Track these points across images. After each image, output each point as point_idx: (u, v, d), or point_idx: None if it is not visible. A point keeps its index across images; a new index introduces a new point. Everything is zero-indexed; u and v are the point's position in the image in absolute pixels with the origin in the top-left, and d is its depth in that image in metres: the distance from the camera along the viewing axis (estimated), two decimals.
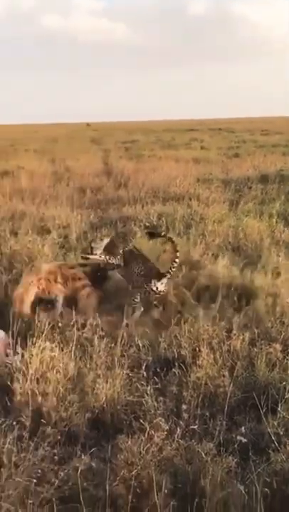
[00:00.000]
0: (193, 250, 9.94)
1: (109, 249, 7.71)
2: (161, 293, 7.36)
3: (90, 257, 7.74)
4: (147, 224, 11.88)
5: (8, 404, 5.32)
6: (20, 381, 5.36)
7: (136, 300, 7.29)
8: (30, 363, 5.55)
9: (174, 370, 5.79)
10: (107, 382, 5.40)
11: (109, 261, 7.63)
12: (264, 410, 5.14)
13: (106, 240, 7.85)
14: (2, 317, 7.32)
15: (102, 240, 7.92)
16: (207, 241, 10.72)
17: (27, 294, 7.50)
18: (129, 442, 4.49)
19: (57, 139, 45.15)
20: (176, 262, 7.33)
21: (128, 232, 11.41)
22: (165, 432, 4.66)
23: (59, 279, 7.69)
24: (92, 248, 7.74)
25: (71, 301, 7.58)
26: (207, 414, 5.18)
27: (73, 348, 5.95)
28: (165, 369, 5.85)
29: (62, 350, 5.86)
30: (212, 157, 26.50)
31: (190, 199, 14.99)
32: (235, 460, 4.47)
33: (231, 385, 5.50)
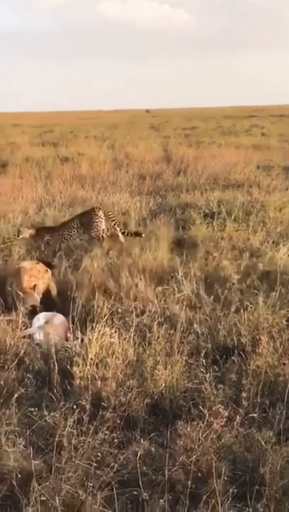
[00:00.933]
0: (253, 238, 9.86)
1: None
2: None
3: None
4: (207, 211, 11.80)
5: (68, 387, 5.37)
6: (80, 365, 5.41)
7: None
8: (89, 347, 5.60)
9: (233, 357, 5.76)
10: (166, 368, 5.41)
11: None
12: None
13: (31, 231, 9.77)
14: (62, 302, 7.44)
15: (28, 228, 9.92)
16: (268, 228, 10.61)
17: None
18: (189, 428, 4.50)
19: (117, 125, 45.30)
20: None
21: (187, 218, 11.38)
22: (224, 419, 4.65)
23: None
24: (19, 231, 9.77)
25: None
26: (267, 402, 5.14)
27: (132, 333, 5.98)
28: (224, 357, 5.83)
29: (122, 336, 5.89)
30: (273, 144, 26.17)
31: (250, 186, 14.84)
32: None
33: None
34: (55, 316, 6.89)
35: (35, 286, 7.54)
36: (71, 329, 6.33)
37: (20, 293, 7.31)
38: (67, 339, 6.41)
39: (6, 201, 13.35)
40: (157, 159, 20.81)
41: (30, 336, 6.50)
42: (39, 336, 6.46)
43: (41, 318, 6.82)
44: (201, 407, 4.87)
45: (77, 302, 6.94)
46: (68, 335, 6.38)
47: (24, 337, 6.37)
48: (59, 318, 6.83)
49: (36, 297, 7.48)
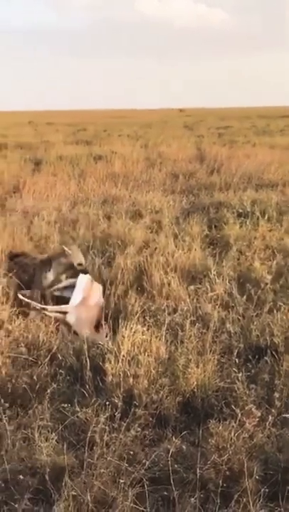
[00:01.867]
0: (287, 238, 9.79)
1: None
2: None
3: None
4: (240, 210, 11.75)
5: (100, 384, 5.40)
6: (112, 362, 5.43)
7: None
8: (122, 344, 5.62)
9: (265, 358, 5.73)
10: (198, 367, 5.40)
11: None
12: None
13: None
14: None
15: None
16: None
17: None
18: (221, 427, 4.48)
19: (150, 124, 45.35)
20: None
21: (220, 217, 11.34)
22: (257, 419, 4.63)
23: None
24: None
25: None
26: None
27: (164, 332, 5.98)
28: (257, 357, 5.80)
29: (154, 334, 5.90)
30: None
31: (284, 186, 14.76)
32: None
33: None
34: (93, 293, 6.88)
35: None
36: (108, 327, 6.36)
37: None
38: (97, 326, 6.55)
39: (40, 198, 13.45)
40: (190, 158, 20.78)
41: (64, 313, 6.60)
42: (71, 319, 6.56)
43: (82, 287, 6.82)
44: (233, 407, 4.85)
45: (110, 299, 6.96)
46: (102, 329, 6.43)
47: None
48: (95, 298, 6.86)
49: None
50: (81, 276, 6.96)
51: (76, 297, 6.75)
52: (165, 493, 4.02)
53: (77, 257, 7.31)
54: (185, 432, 4.74)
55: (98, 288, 7.06)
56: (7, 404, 4.97)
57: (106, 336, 6.27)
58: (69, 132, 36.45)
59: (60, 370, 5.59)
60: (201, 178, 16.64)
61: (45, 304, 6.87)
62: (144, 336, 5.80)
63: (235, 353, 5.76)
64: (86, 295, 6.81)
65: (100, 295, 7.00)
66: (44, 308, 6.70)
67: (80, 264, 7.27)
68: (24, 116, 68.94)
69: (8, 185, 15.64)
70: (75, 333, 6.49)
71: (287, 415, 4.85)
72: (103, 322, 6.54)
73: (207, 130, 36.61)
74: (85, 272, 7.16)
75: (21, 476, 4.13)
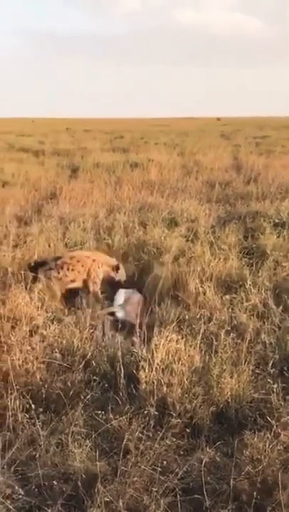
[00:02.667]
0: None
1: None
2: None
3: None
4: (277, 220, 11.65)
5: (134, 392, 5.40)
6: (146, 370, 5.42)
7: None
8: (156, 352, 5.61)
9: None
10: (232, 377, 5.37)
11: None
12: None
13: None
14: None
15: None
16: None
17: None
18: (255, 439, 4.45)
19: (187, 133, 45.34)
20: None
21: (257, 227, 11.27)
22: None
23: None
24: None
25: None
26: None
27: (199, 341, 5.95)
28: None
29: (188, 343, 5.88)
30: None
31: None
32: None
33: None
34: (134, 294, 7.57)
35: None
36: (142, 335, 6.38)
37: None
38: (136, 315, 7.00)
39: (76, 205, 13.53)
40: (227, 167, 20.72)
41: (112, 314, 7.11)
42: (120, 314, 7.14)
43: (122, 294, 7.53)
44: (268, 418, 4.82)
45: (145, 307, 6.98)
46: (134, 339, 6.48)
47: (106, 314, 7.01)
48: (136, 297, 7.53)
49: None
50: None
51: (119, 299, 7.46)
52: (198, 503, 4.00)
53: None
54: (219, 443, 4.71)
55: (136, 292, 7.71)
56: (41, 409, 5.02)
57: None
58: (106, 139, 36.63)
59: (94, 377, 5.60)
60: (237, 188, 16.55)
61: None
62: (178, 345, 5.78)
63: (270, 364, 5.71)
64: (127, 297, 7.49)
65: (139, 296, 7.62)
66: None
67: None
68: (62, 123, 69.54)
69: (45, 191, 15.78)
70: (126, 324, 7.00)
71: None
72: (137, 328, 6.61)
73: (244, 139, 36.42)
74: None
75: (54, 482, 4.15)
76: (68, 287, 7.87)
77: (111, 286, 8.09)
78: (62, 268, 7.86)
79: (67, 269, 7.86)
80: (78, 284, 7.93)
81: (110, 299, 7.77)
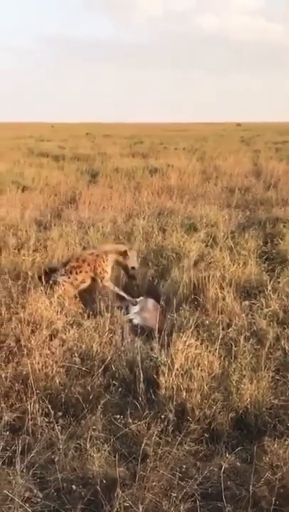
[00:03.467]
0: None
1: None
2: None
3: None
4: None
5: (153, 397, 5.39)
6: (166, 375, 5.42)
7: None
8: (175, 358, 5.60)
9: None
10: (251, 383, 5.35)
11: None
12: None
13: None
14: None
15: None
16: None
17: None
18: (275, 445, 4.43)
19: (206, 138, 45.30)
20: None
21: (277, 233, 11.23)
22: None
23: None
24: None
25: None
26: None
27: (218, 346, 5.94)
28: None
29: (207, 348, 5.86)
30: None
31: None
32: None
33: None
34: (148, 300, 7.63)
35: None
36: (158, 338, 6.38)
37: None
38: (155, 320, 7.02)
39: (95, 210, 13.57)
40: (247, 173, 20.67)
41: (130, 321, 7.14)
42: (137, 321, 7.19)
43: (136, 306, 7.57)
44: (287, 424, 4.80)
45: (163, 312, 6.98)
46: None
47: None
48: (151, 302, 7.59)
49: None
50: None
51: (134, 308, 7.54)
52: (217, 509, 3.99)
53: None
54: (238, 449, 4.70)
55: (149, 299, 7.74)
56: (60, 414, 5.03)
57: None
58: (125, 145, 36.71)
59: (113, 382, 5.61)
60: (257, 193, 16.51)
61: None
62: (197, 350, 5.78)
63: None
64: (142, 305, 7.53)
65: (152, 301, 7.66)
66: None
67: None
68: (81, 128, 69.82)
69: (65, 196, 15.84)
70: (145, 329, 7.02)
71: None
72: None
73: (264, 144, 36.33)
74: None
75: (73, 486, 4.16)
76: (80, 288, 7.94)
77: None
78: (71, 273, 7.92)
79: (76, 273, 7.93)
80: (88, 282, 8.00)
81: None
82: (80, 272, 7.96)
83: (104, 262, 8.04)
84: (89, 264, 7.99)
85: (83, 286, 7.97)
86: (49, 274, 7.97)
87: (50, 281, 7.64)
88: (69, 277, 7.88)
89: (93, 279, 8.00)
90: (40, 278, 7.80)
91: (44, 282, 7.58)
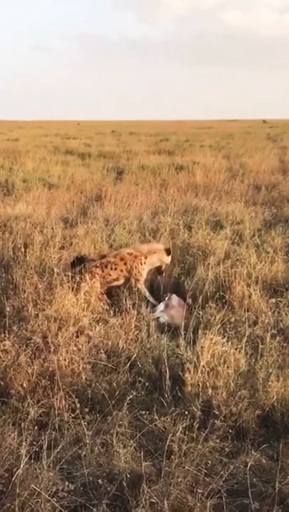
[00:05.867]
0: None
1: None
2: None
3: None
4: None
5: (179, 394, 5.41)
6: (192, 372, 5.42)
7: None
8: (201, 355, 5.60)
9: None
10: (278, 381, 5.34)
11: None
12: None
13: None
14: None
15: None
16: None
17: None
18: None
19: (232, 135, 45.09)
20: None
21: None
22: None
23: None
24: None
25: None
26: None
27: (244, 344, 5.93)
28: None
29: (234, 346, 5.86)
30: None
31: None
32: None
33: None
34: (172, 298, 7.65)
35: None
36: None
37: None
38: (182, 317, 7.04)
39: (121, 207, 13.58)
40: (273, 170, 20.56)
41: (157, 319, 7.20)
42: (164, 319, 7.25)
43: (161, 303, 7.60)
44: None
45: (190, 309, 6.98)
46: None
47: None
48: (175, 299, 7.61)
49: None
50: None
51: (160, 306, 7.57)
52: (243, 506, 3.98)
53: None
54: (264, 446, 4.69)
55: (176, 297, 7.71)
56: (86, 410, 5.07)
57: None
58: (151, 142, 36.68)
59: (139, 378, 5.63)
60: (283, 190, 16.40)
61: None
62: (223, 348, 5.77)
63: None
64: (167, 302, 7.57)
65: (177, 298, 7.67)
66: None
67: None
68: (107, 126, 69.86)
69: (91, 193, 15.88)
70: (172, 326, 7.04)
71: None
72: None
73: None
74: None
75: (99, 481, 4.18)
76: (111, 285, 7.96)
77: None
78: (106, 267, 7.94)
79: (111, 268, 7.94)
80: (121, 282, 8.01)
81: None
82: (116, 269, 7.97)
83: (141, 264, 8.05)
84: (125, 264, 8.01)
85: (115, 283, 7.99)
86: (77, 263, 8.02)
87: (80, 268, 7.72)
88: (103, 271, 7.90)
89: (126, 280, 8.02)
90: (72, 264, 7.90)
91: (72, 269, 7.67)
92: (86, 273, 7.69)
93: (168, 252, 8.29)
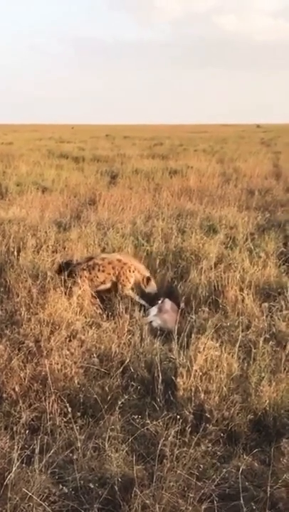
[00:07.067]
0: None
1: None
2: None
3: None
4: None
5: (171, 398, 5.40)
6: (184, 377, 5.42)
7: None
8: (194, 359, 5.60)
9: None
10: (270, 385, 5.34)
11: None
12: None
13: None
14: None
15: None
16: None
17: None
18: None
19: (226, 139, 45.21)
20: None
21: None
22: None
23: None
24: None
25: None
26: None
27: (237, 348, 5.94)
28: None
29: (226, 350, 5.86)
30: None
31: None
32: None
33: None
34: (165, 302, 7.68)
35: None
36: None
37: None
38: (175, 322, 7.02)
39: (115, 211, 13.57)
40: (267, 174, 20.61)
41: (150, 323, 7.18)
42: (157, 323, 7.22)
43: (154, 307, 7.63)
44: None
45: (183, 314, 6.98)
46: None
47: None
48: (168, 304, 7.65)
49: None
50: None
51: (152, 311, 7.55)
52: (235, 510, 3.99)
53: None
54: (256, 450, 4.70)
55: (169, 301, 7.76)
56: (78, 414, 5.06)
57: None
58: (145, 146, 36.73)
59: (132, 383, 5.63)
60: (277, 195, 16.44)
61: None
62: (216, 352, 5.77)
63: None
64: (160, 306, 7.57)
65: (170, 302, 7.71)
66: None
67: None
68: (102, 130, 69.88)
69: (85, 197, 15.88)
70: (164, 330, 7.04)
71: None
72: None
73: (285, 146, 36.14)
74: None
75: (91, 485, 4.17)
76: (98, 289, 7.96)
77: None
78: (93, 269, 7.95)
79: (98, 270, 7.95)
80: (108, 285, 8.02)
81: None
82: (103, 271, 7.99)
83: (129, 271, 8.07)
84: (113, 268, 8.02)
85: (102, 287, 8.00)
86: (64, 268, 8.02)
87: (67, 272, 7.70)
88: (90, 273, 7.91)
89: (114, 285, 8.02)
90: (58, 272, 7.88)
91: (59, 276, 7.66)
92: (77, 277, 7.69)
93: (148, 279, 8.29)
